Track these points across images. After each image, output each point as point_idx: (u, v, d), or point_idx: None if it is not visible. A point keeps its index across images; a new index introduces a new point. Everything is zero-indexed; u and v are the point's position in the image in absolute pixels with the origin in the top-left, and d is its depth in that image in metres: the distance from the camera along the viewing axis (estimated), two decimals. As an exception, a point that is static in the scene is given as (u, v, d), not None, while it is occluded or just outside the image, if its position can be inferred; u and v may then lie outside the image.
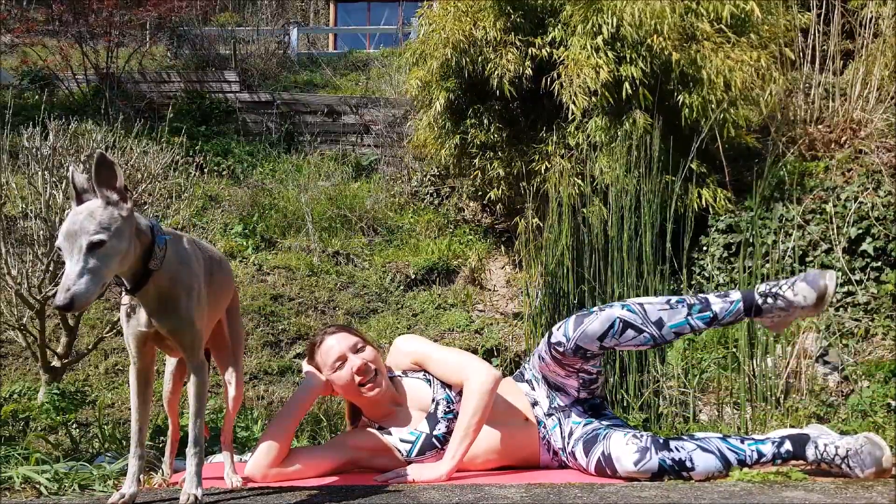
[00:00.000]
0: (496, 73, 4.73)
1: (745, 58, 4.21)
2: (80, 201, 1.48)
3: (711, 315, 1.88)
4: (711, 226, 4.49)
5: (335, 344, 2.02)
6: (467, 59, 4.92)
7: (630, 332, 1.86)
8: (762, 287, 1.89)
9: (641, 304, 1.89)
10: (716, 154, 4.26)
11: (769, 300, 1.87)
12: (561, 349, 1.91)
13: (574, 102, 4.41)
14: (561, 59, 4.61)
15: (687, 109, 4.24)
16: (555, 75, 4.61)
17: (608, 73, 4.32)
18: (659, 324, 1.87)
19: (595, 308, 1.92)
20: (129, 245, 1.45)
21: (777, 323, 1.91)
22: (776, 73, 4.36)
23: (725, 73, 4.17)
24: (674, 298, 1.91)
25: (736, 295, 1.90)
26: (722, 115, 4.15)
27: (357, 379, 1.98)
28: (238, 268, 5.10)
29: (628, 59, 4.37)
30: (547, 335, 1.97)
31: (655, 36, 4.23)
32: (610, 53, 4.38)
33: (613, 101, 4.42)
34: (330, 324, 3.40)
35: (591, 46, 4.42)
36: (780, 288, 1.87)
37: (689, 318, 1.88)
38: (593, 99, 4.43)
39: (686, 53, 4.29)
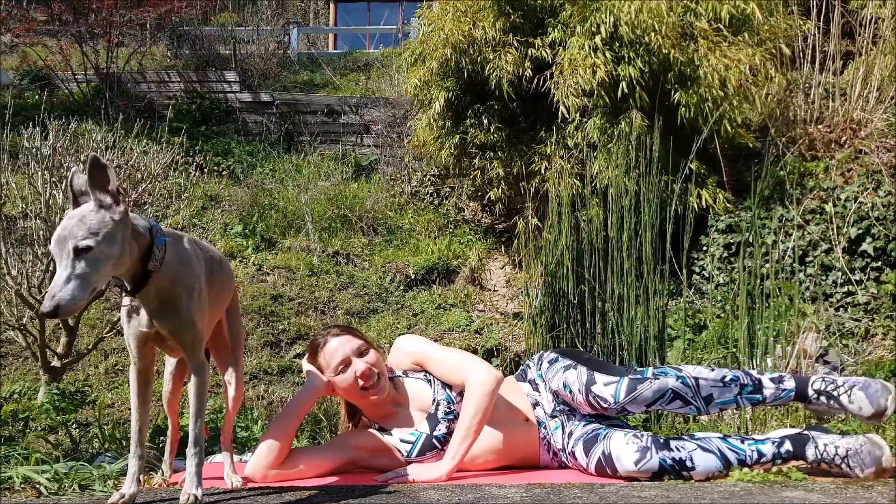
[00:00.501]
0: (495, 73, 4.74)
1: (741, 56, 4.21)
2: (77, 204, 1.48)
3: (761, 398, 1.89)
4: (711, 226, 4.49)
5: (339, 347, 2.01)
6: (466, 60, 4.92)
7: (678, 402, 1.88)
8: (818, 384, 1.87)
9: (696, 379, 1.88)
10: (715, 154, 4.26)
11: (822, 398, 1.86)
12: (605, 405, 1.90)
13: (564, 104, 4.42)
14: (557, 59, 4.62)
15: (683, 108, 4.24)
16: (548, 75, 4.62)
17: (605, 72, 4.32)
18: (708, 399, 1.88)
19: (648, 373, 1.90)
20: (121, 249, 1.43)
21: (822, 411, 1.90)
22: (772, 71, 4.35)
23: (721, 71, 4.17)
24: (728, 375, 1.89)
25: (790, 384, 1.89)
26: (718, 113, 4.15)
27: (360, 383, 1.98)
28: (238, 268, 5.10)
29: (626, 59, 4.38)
30: (585, 378, 1.93)
31: (654, 34, 4.24)
32: (608, 53, 4.38)
33: (610, 100, 4.42)
34: (332, 324, 3.40)
35: (589, 46, 4.43)
36: (837, 390, 1.85)
37: (738, 397, 1.88)
38: (588, 99, 4.44)
39: (684, 52, 4.29)
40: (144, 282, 1.52)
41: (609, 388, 1.89)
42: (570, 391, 1.96)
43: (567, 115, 4.52)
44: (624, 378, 1.90)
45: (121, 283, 1.54)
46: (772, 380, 1.90)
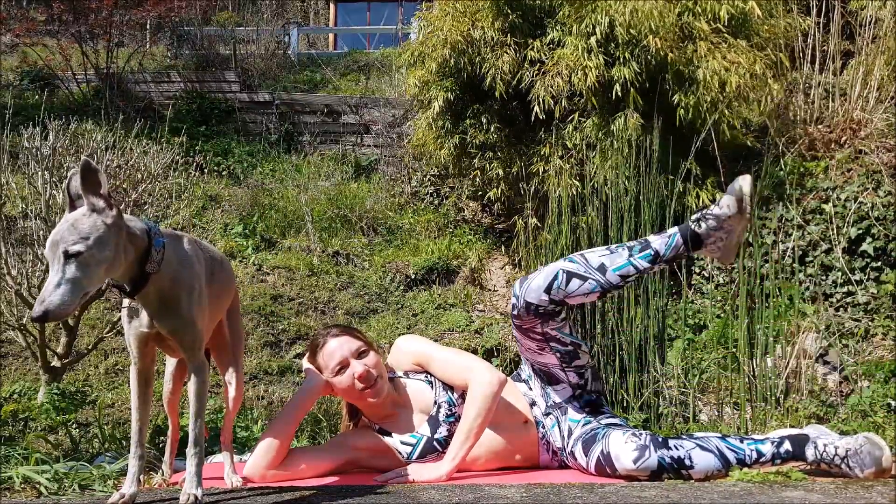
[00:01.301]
0: (491, 73, 4.74)
1: (741, 60, 4.21)
2: (73, 208, 1.48)
3: (653, 253, 1.93)
4: (711, 226, 4.48)
5: (338, 348, 2.00)
6: (465, 60, 4.93)
7: (575, 282, 1.89)
8: (695, 216, 1.96)
9: (582, 255, 1.94)
10: (714, 155, 4.26)
11: (701, 223, 1.93)
12: (515, 312, 1.94)
13: (540, 105, 4.45)
14: (544, 60, 4.63)
15: (682, 110, 4.24)
16: (532, 73, 4.63)
17: (596, 75, 4.32)
18: (602, 269, 1.91)
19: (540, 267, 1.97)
20: (113, 253, 1.43)
21: (720, 248, 1.95)
22: (772, 81, 4.35)
23: (721, 74, 4.17)
24: (614, 245, 1.98)
25: (672, 230, 1.96)
26: (716, 117, 4.15)
27: (358, 385, 1.98)
28: (238, 268, 5.10)
29: (621, 60, 4.38)
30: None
31: (652, 36, 4.23)
32: (601, 56, 4.39)
33: (604, 101, 4.43)
34: (332, 324, 3.40)
35: (583, 48, 4.43)
36: (708, 208, 1.95)
37: (630, 259, 1.92)
38: (576, 101, 4.44)
39: (682, 53, 4.29)
40: (143, 284, 1.52)
41: (513, 296, 1.95)
42: (516, 338, 2.03)
43: (541, 116, 4.55)
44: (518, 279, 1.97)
45: (120, 285, 1.54)
46: (656, 234, 1.97)
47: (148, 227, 1.53)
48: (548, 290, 1.88)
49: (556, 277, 1.88)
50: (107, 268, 1.42)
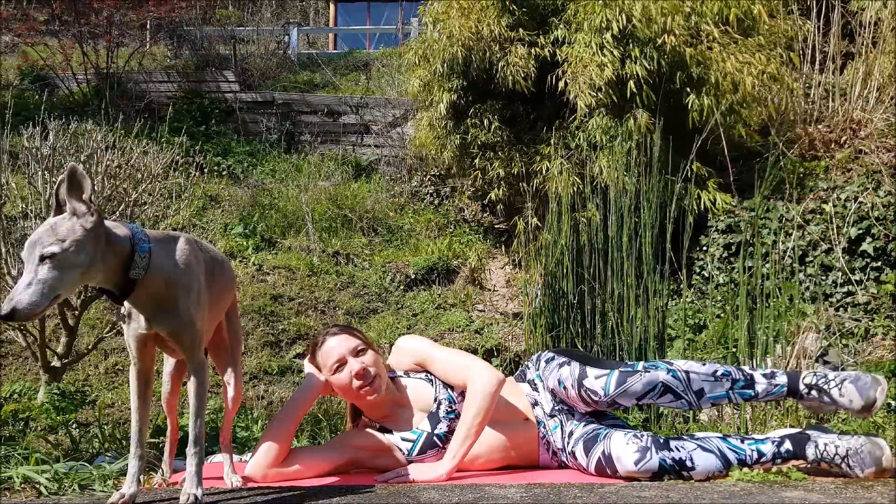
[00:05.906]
0: (506, 70, 4.74)
1: (753, 60, 4.22)
2: (59, 212, 1.48)
3: (753, 394, 1.88)
4: (711, 226, 4.49)
5: (335, 346, 2.01)
6: (474, 57, 4.92)
7: (669, 396, 1.87)
8: (809, 378, 1.86)
9: (687, 373, 1.87)
10: (716, 155, 4.26)
11: (814, 392, 1.85)
12: (595, 398, 1.90)
13: (580, 98, 4.42)
14: (565, 57, 4.62)
15: (695, 113, 4.24)
16: (559, 73, 4.62)
17: (612, 71, 4.32)
18: (699, 393, 1.87)
19: (639, 367, 1.90)
20: (90, 258, 1.42)
21: (814, 407, 1.89)
22: (788, 78, 4.37)
23: (734, 74, 4.18)
24: (720, 370, 1.89)
25: (781, 379, 1.88)
26: (731, 117, 4.17)
27: (356, 383, 1.98)
28: (238, 268, 5.10)
29: (633, 58, 4.38)
30: (577, 372, 1.94)
31: (667, 35, 4.24)
32: (616, 52, 4.38)
33: (616, 99, 4.43)
34: (332, 324, 3.40)
35: (596, 44, 4.42)
36: (828, 384, 1.84)
37: (730, 391, 1.87)
38: (599, 95, 4.43)
39: (696, 51, 4.31)
40: (130, 289, 1.52)
41: (599, 381, 1.90)
42: (565, 387, 1.97)
43: (580, 112, 4.52)
44: (614, 371, 1.90)
45: (108, 290, 1.53)
46: (764, 375, 1.89)
47: (132, 234, 1.52)
48: (641, 397, 1.87)
49: (653, 388, 1.86)
50: (82, 272, 1.42)
